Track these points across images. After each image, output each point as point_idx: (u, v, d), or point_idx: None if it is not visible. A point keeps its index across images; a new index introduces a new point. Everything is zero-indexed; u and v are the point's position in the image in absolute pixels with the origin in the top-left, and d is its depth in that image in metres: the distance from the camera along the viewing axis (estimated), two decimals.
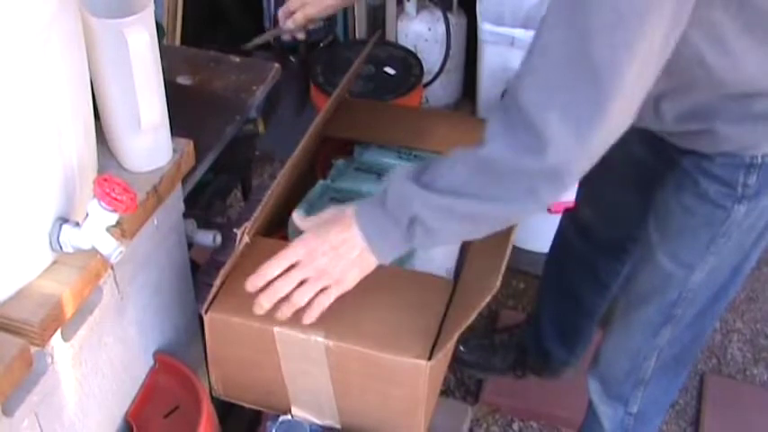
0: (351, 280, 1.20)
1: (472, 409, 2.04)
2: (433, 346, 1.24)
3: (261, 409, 1.42)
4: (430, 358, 1.22)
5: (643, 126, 1.30)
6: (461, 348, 2.10)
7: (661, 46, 1.01)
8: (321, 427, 1.38)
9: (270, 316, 1.25)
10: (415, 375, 1.23)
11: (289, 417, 1.39)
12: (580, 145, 1.05)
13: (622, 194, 1.62)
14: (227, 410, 1.53)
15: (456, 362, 2.10)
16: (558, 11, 1.01)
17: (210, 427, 1.35)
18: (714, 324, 1.60)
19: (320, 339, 1.25)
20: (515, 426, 2.10)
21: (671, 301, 1.44)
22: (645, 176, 1.49)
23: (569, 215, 1.81)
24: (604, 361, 1.65)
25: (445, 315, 1.30)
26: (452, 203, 1.10)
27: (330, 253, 1.17)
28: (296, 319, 1.24)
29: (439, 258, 1.44)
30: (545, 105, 1.03)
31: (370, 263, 1.20)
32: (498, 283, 1.17)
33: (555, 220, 2.31)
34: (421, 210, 1.11)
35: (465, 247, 1.46)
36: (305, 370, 1.29)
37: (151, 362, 1.42)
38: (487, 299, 1.15)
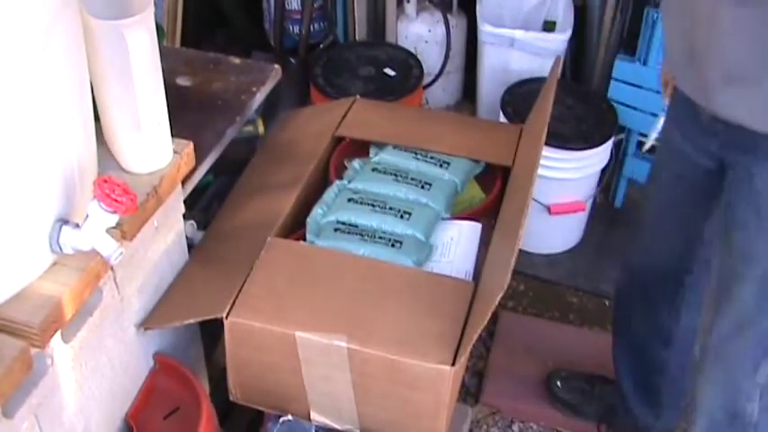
0: None
1: (472, 410, 2.03)
2: (456, 351, 1.23)
3: (279, 413, 1.40)
4: (453, 363, 1.21)
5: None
6: (558, 384, 2.01)
7: None
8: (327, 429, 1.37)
9: (292, 320, 1.25)
10: (439, 381, 1.23)
11: (290, 417, 1.39)
12: None
13: (671, 223, 1.57)
14: (227, 412, 1.53)
15: (548, 394, 2.02)
16: None
17: (210, 428, 1.35)
18: None
19: (342, 344, 1.23)
20: (515, 427, 2.09)
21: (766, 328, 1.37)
22: (698, 193, 1.45)
23: (624, 269, 1.77)
24: (704, 411, 1.55)
25: (467, 318, 1.29)
26: None
27: None
28: (317, 322, 1.24)
29: (458, 261, 1.43)
30: None
31: None
32: (506, 283, 1.15)
33: (553, 221, 2.31)
34: None
35: (484, 249, 1.45)
36: (326, 375, 1.28)
37: (151, 363, 1.42)
38: (497, 300, 1.14)
